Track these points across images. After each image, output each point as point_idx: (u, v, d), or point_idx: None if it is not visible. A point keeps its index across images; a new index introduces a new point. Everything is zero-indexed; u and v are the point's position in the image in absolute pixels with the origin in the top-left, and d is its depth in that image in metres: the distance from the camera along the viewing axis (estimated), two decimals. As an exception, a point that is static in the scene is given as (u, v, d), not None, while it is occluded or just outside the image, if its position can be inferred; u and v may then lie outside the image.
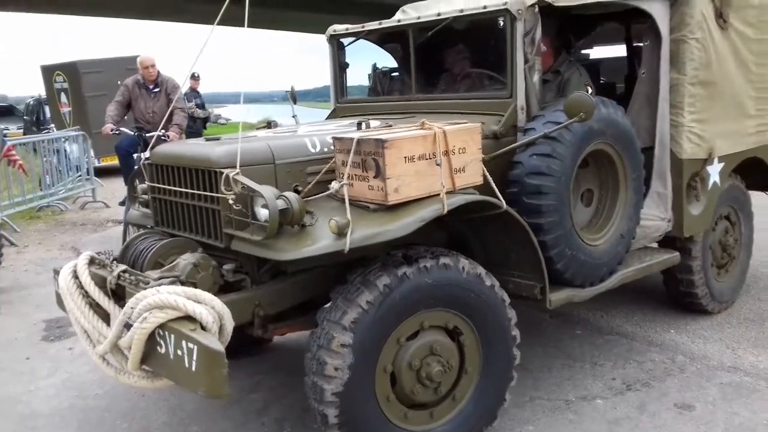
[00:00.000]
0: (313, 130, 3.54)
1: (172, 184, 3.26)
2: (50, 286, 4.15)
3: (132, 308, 2.72)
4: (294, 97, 5.03)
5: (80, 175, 11.24)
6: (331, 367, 2.70)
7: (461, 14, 3.72)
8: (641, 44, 4.23)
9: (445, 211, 2.84)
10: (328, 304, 2.87)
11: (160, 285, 2.76)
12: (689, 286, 4.51)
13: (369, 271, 2.83)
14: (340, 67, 4.69)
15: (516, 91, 3.52)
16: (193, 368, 2.51)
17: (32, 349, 4.78)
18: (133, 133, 7.32)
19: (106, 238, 8.08)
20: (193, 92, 12.53)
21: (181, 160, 3.19)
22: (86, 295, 3.10)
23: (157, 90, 7.67)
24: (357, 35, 4.53)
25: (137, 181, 3.86)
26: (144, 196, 3.70)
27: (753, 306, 4.96)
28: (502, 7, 3.48)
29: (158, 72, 7.77)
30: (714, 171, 4.33)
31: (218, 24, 3.48)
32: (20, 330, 5.17)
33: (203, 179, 3.04)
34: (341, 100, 4.71)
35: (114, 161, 10.98)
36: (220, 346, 2.48)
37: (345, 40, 4.64)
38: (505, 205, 3.07)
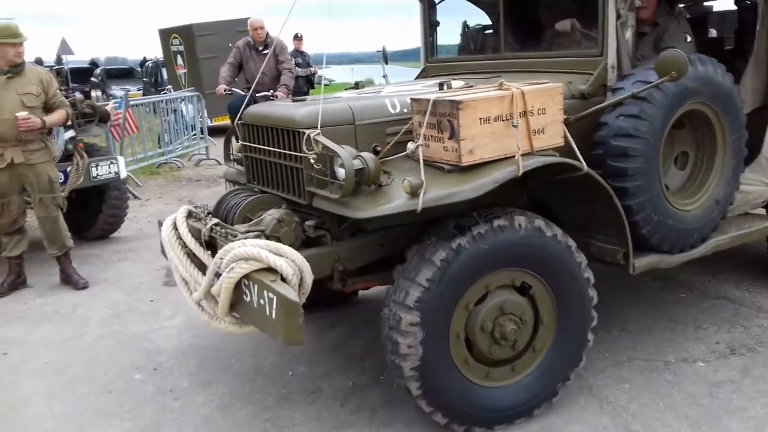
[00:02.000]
0: (396, 90, 3.59)
1: (261, 143, 3.43)
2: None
3: (221, 259, 2.93)
4: (385, 56, 5.08)
5: (195, 134, 11.88)
6: (405, 346, 2.79)
7: (552, -32, 3.60)
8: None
9: (520, 173, 2.82)
10: (405, 264, 2.95)
11: (246, 238, 2.95)
12: None
13: (425, 246, 2.87)
14: (430, 25, 4.67)
15: (607, 48, 3.39)
16: (273, 316, 2.68)
17: (155, 293, 5.23)
18: (244, 93, 7.52)
19: (218, 193, 8.41)
20: (298, 53, 12.75)
21: (268, 120, 3.35)
22: (184, 245, 3.38)
23: (266, 51, 7.79)
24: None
25: (233, 140, 4.09)
26: (238, 154, 3.92)
27: None
28: (594, -40, 3.34)
29: (267, 33, 8.00)
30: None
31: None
32: (144, 275, 5.66)
33: (288, 139, 3.18)
34: (431, 59, 4.70)
35: (226, 121, 11.53)
36: (296, 297, 2.63)
37: (435, -2, 4.61)
38: (585, 167, 3.00)
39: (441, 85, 3.44)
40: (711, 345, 3.80)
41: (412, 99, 3.05)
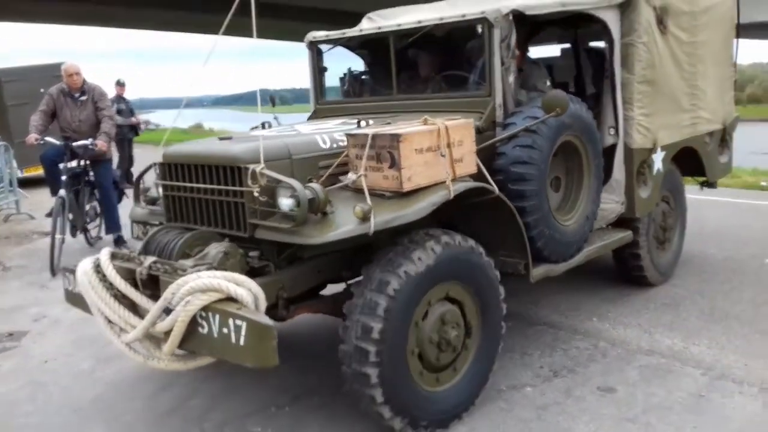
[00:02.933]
0: (317, 128, 3.84)
1: (189, 181, 3.49)
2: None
3: (173, 293, 2.96)
4: (273, 100, 5.30)
5: (2, 187, 10.78)
6: (373, 354, 3.00)
7: (441, 22, 4.12)
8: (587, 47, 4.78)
9: (452, 197, 3.23)
10: (365, 279, 3.17)
11: (198, 271, 3.01)
12: (637, 260, 5.09)
13: (386, 262, 3.14)
14: (319, 70, 5.00)
15: (494, 90, 3.95)
16: (242, 342, 2.77)
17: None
18: (59, 143, 7.16)
19: (32, 251, 7.87)
20: (120, 99, 12.43)
21: (200, 158, 3.44)
22: (110, 287, 3.31)
23: (83, 98, 7.32)
24: (337, 41, 4.85)
25: (142, 181, 4.06)
26: (149, 194, 3.92)
27: (668, 291, 5.27)
28: (481, 16, 3.90)
29: (84, 80, 7.41)
30: (658, 159, 4.91)
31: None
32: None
33: (226, 175, 3.29)
34: (321, 101, 5.02)
35: (38, 172, 10.72)
36: (269, 321, 2.76)
37: (323, 46, 4.96)
38: (497, 191, 3.49)
39: (359, 123, 3.77)
40: (536, 370, 4.01)
41: (348, 134, 3.35)
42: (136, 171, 13.15)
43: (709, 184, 6.04)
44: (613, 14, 4.46)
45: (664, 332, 4.50)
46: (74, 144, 7.01)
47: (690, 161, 5.59)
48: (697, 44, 5.22)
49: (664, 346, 4.28)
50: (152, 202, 4.03)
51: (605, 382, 3.84)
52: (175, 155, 3.60)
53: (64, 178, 7.02)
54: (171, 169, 3.62)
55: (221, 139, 3.62)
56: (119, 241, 7.56)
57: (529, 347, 4.36)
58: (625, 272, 5.29)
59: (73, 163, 7.33)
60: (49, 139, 7.20)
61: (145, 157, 16.72)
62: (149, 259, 3.25)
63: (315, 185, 3.08)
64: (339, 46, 4.96)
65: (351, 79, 5.11)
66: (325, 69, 5.04)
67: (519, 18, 3.97)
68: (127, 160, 12.73)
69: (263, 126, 4.37)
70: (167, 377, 4.19)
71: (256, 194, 3.16)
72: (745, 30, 6.21)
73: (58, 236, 6.78)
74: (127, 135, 12.50)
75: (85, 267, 3.44)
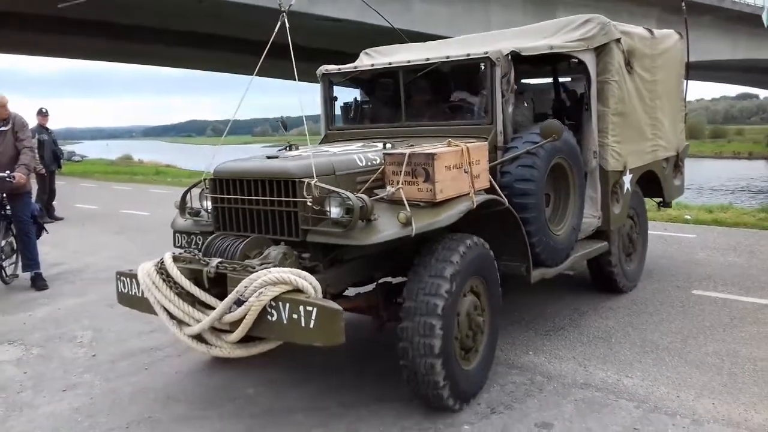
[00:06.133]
0: (346, 150, 4.41)
1: (241, 194, 4.00)
2: None
3: (245, 287, 3.46)
4: (285, 126, 5.85)
5: None
6: (437, 339, 3.58)
7: (448, 60, 4.79)
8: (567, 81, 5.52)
9: (475, 206, 3.85)
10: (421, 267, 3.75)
11: (265, 268, 3.52)
12: (610, 268, 5.81)
13: (438, 253, 3.77)
14: (330, 100, 5.60)
15: (496, 119, 4.62)
16: (311, 326, 3.28)
17: None
18: None
19: None
20: (43, 129, 12.07)
21: (252, 174, 3.95)
22: (174, 285, 3.77)
23: (4, 128, 7.01)
24: (347, 75, 5.46)
25: (188, 197, 4.55)
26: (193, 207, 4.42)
27: (601, 324, 5.34)
28: (484, 56, 4.59)
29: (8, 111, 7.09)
30: (627, 180, 5.68)
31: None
32: None
33: (280, 188, 3.82)
34: (331, 127, 5.61)
35: None
36: (338, 306, 3.28)
37: (334, 78, 5.56)
38: (507, 203, 4.13)
39: (384, 145, 4.37)
40: (474, 407, 3.97)
41: (386, 153, 3.94)
42: (64, 203, 13.08)
43: (665, 204, 6.87)
44: (591, 56, 5.23)
45: (598, 365, 4.53)
46: None
47: (650, 184, 6.41)
48: (656, 82, 6.07)
49: (599, 380, 4.30)
50: (196, 213, 4.51)
51: (542, 417, 3.83)
52: (226, 172, 4.11)
53: None
54: (221, 184, 4.12)
55: (268, 157, 4.15)
56: (37, 280, 7.27)
57: None
58: (599, 280, 6.01)
59: None
60: None
61: (69, 190, 16.80)
62: (215, 260, 3.73)
63: (364, 196, 3.64)
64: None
65: (357, 107, 5.72)
66: (335, 98, 5.64)
67: (516, 58, 4.67)
68: (47, 192, 12.26)
69: (289, 148, 4.90)
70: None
71: (309, 204, 3.70)
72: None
73: None
74: (49, 167, 12.03)
75: (147, 269, 3.90)
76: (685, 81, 6.88)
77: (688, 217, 10.15)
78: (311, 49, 27.60)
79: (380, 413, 3.92)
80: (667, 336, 5.04)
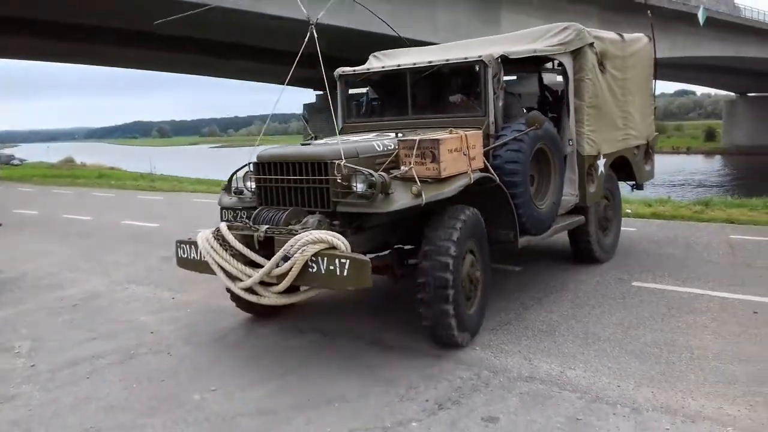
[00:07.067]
0: (365, 138, 5.32)
1: (281, 175, 4.89)
2: None
3: (291, 246, 4.36)
4: (306, 119, 6.75)
5: None
6: (450, 277, 4.52)
7: (448, 62, 5.70)
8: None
9: (472, 182, 4.77)
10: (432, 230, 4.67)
11: (308, 231, 4.42)
12: (587, 240, 6.75)
13: (445, 220, 4.69)
14: (347, 97, 6.50)
15: (489, 112, 5.53)
16: (345, 274, 4.19)
17: None
18: None
19: None
20: None
21: (291, 158, 4.86)
22: (229, 248, 4.67)
23: None
24: (360, 76, 6.36)
25: (233, 180, 5.45)
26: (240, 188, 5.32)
27: (545, 318, 5.48)
28: (479, 59, 5.50)
29: None
30: (601, 164, 6.61)
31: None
32: None
33: (314, 168, 4.72)
34: (348, 121, 6.51)
35: None
36: (366, 258, 4.19)
37: (350, 79, 6.46)
38: (498, 180, 5.06)
39: (396, 134, 5.28)
40: (422, 403, 4.05)
41: (399, 140, 4.85)
42: (1, 209, 12.76)
43: (638, 186, 7.81)
44: (568, 58, 6.16)
45: (543, 358, 4.64)
46: None
47: (624, 168, 7.35)
48: (626, 80, 7.01)
49: (543, 372, 4.41)
50: (239, 192, 5.42)
51: (488, 411, 3.90)
52: (268, 156, 5.01)
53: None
54: (264, 167, 5.02)
55: (303, 144, 5.05)
56: None
57: (414, 380, 4.40)
58: (578, 250, 6.95)
59: None
60: None
61: (7, 195, 16.87)
62: (264, 227, 4.64)
63: (383, 173, 4.55)
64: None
65: (369, 103, 6.62)
66: (351, 96, 6.54)
67: (505, 60, 5.59)
68: None
69: (316, 138, 5.79)
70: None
71: (338, 181, 4.60)
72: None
73: None
74: None
75: (206, 236, 4.81)
76: (654, 79, 7.82)
77: (629, 211, 10.15)
78: (260, 49, 28.02)
79: (328, 415, 3.99)
80: (608, 327, 5.19)
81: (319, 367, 4.70)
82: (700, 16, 15.70)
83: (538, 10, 30.04)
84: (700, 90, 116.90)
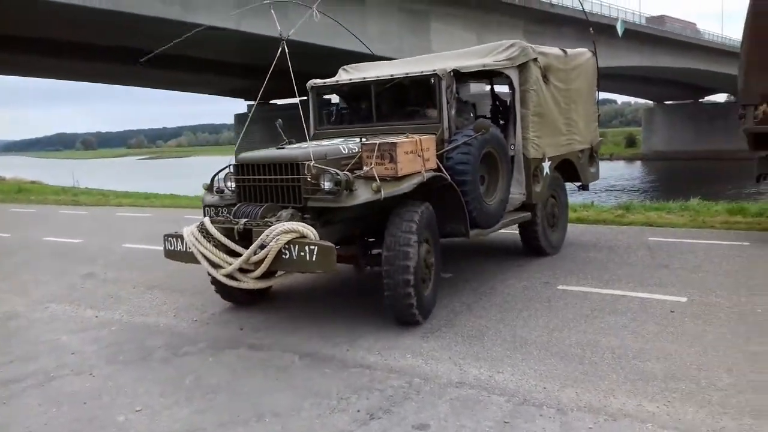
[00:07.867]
0: (333, 143, 6.00)
1: (258, 175, 5.54)
2: None
3: (267, 235, 5.01)
4: (282, 129, 7.41)
5: None
6: (412, 264, 5.20)
7: (407, 75, 6.41)
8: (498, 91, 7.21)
9: (425, 180, 5.47)
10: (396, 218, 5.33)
11: (282, 223, 5.08)
12: (535, 234, 7.50)
13: (405, 212, 5.36)
14: (318, 106, 7.18)
15: (443, 119, 6.25)
16: (314, 259, 4.85)
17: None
18: None
19: None
20: None
21: (267, 160, 5.51)
22: (211, 239, 5.31)
23: None
24: (331, 87, 7.05)
25: (215, 180, 6.09)
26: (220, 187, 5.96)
27: (474, 323, 5.55)
28: (433, 73, 6.22)
29: None
30: (546, 166, 7.37)
31: None
32: None
33: (287, 169, 5.38)
34: (319, 128, 7.18)
35: None
36: (331, 244, 4.86)
37: (321, 90, 7.15)
38: (449, 179, 5.77)
39: (360, 139, 5.97)
40: (353, 414, 4.03)
41: (363, 144, 5.54)
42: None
43: (584, 187, 8.60)
44: (515, 72, 6.92)
45: (472, 363, 4.69)
46: None
47: (569, 170, 8.13)
48: (570, 91, 7.80)
49: (472, 377, 4.45)
50: (220, 191, 6.06)
51: (419, 419, 3.93)
52: (247, 159, 5.66)
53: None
54: (243, 168, 5.67)
55: (278, 147, 5.72)
56: None
57: (345, 391, 4.37)
58: (528, 244, 7.70)
59: None
60: None
61: None
62: (243, 220, 5.29)
63: (348, 173, 5.23)
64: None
65: (338, 112, 7.31)
66: (322, 105, 7.23)
67: (457, 74, 6.31)
68: None
69: (290, 142, 6.45)
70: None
71: (308, 179, 5.27)
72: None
73: None
74: None
75: (191, 229, 5.44)
76: (597, 89, 8.63)
77: None
78: (188, 58, 28.14)
79: (258, 430, 3.93)
80: (534, 330, 5.29)
81: (249, 383, 4.62)
82: (619, 28, 16.20)
83: (467, 20, 31.02)
84: (621, 99, 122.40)
